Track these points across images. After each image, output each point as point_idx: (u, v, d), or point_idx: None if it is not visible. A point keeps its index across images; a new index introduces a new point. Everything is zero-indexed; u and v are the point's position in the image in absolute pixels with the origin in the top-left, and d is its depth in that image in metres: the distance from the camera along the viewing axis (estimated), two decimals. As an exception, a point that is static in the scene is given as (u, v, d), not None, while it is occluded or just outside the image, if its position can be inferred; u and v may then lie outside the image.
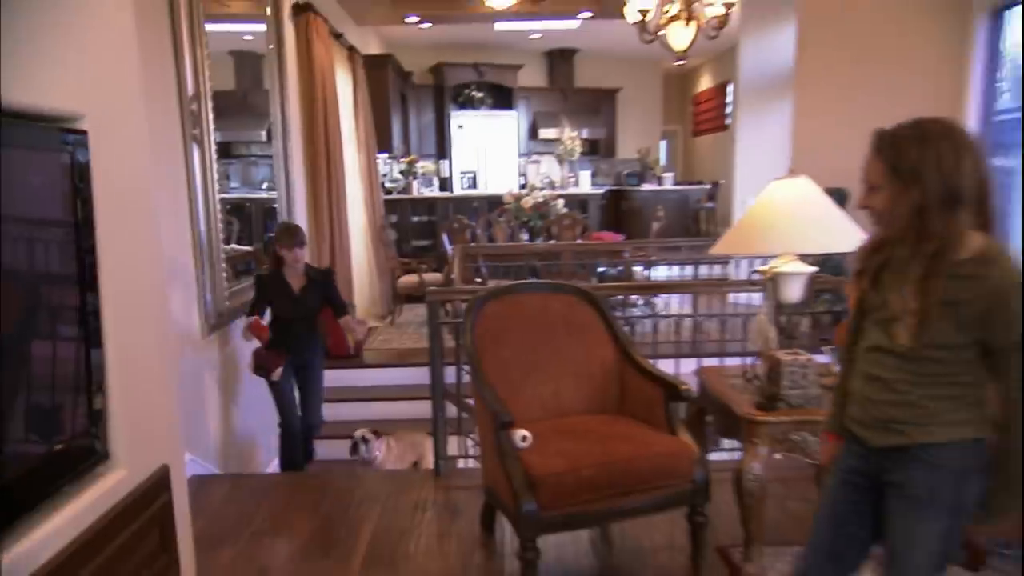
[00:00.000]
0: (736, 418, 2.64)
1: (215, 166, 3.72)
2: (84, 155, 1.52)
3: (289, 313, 4.01)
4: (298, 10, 5.23)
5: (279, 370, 3.96)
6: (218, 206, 3.80)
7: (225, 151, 4.21)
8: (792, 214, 2.59)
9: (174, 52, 3.37)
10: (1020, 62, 3.83)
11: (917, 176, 1.47)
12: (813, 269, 2.72)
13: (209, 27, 3.69)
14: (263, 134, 5.03)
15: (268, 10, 4.72)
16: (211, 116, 3.66)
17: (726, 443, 3.48)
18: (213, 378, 3.95)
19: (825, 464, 1.86)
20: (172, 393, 2.02)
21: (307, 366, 4.19)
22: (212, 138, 3.68)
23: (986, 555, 2.63)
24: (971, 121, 5.02)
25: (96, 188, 1.55)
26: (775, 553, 2.68)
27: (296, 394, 4.21)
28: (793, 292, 2.70)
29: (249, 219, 4.95)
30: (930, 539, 1.56)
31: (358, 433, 4.34)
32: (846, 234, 2.39)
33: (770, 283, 2.71)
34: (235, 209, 4.52)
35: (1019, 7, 4.81)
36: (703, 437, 3.06)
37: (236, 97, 4.33)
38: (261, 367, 3.97)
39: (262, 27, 4.79)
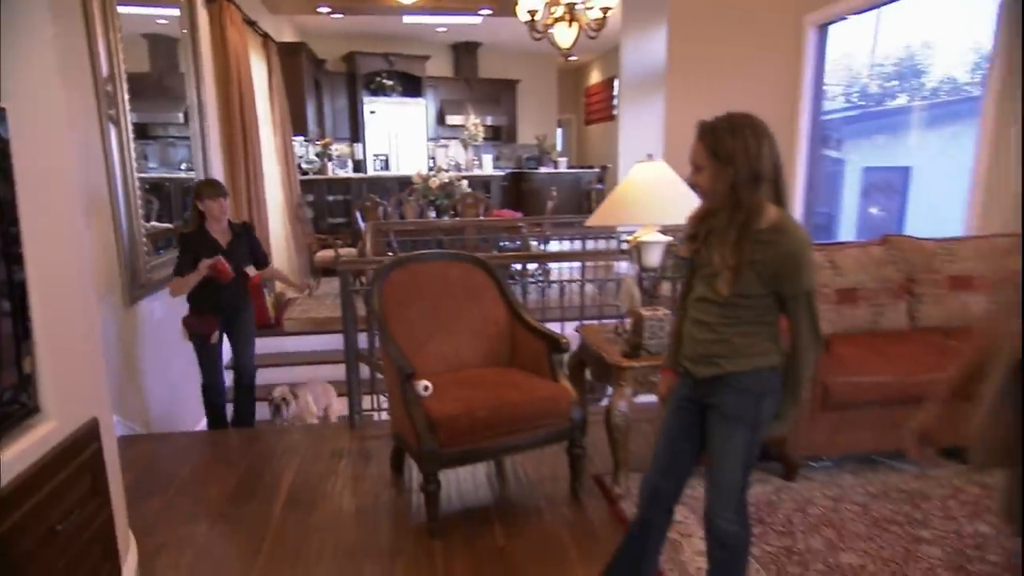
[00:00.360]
0: (608, 365, 2.83)
1: (132, 146, 3.56)
2: (4, 132, 1.50)
3: None
4: (211, -2, 5.03)
5: (216, 333, 3.71)
6: (136, 184, 3.64)
7: (142, 132, 4.01)
8: (650, 192, 2.76)
9: (87, 34, 3.20)
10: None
11: (731, 159, 1.64)
12: (669, 239, 2.94)
13: (122, 10, 3.50)
14: (180, 116, 4.82)
15: (182, -3, 4.53)
16: (127, 97, 3.50)
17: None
18: (137, 345, 3.82)
19: (663, 395, 2.03)
20: (99, 354, 2.01)
21: (236, 317, 3.86)
22: (128, 118, 3.52)
23: (799, 467, 2.98)
24: (804, 118, 5.41)
25: (17, 164, 1.53)
26: (639, 478, 2.89)
27: (224, 349, 3.98)
28: (653, 258, 2.90)
29: (168, 198, 4.76)
30: (738, 447, 1.78)
31: (277, 394, 4.24)
32: (691, 208, 2.59)
33: (634, 251, 2.91)
34: (154, 188, 4.33)
35: (840, 23, 5.19)
36: (582, 384, 3.24)
37: (152, 79, 4.11)
38: (196, 334, 3.70)
39: (175, 11, 4.57)
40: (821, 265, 3.25)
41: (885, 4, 4.88)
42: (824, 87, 5.49)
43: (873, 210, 6.50)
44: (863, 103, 6.46)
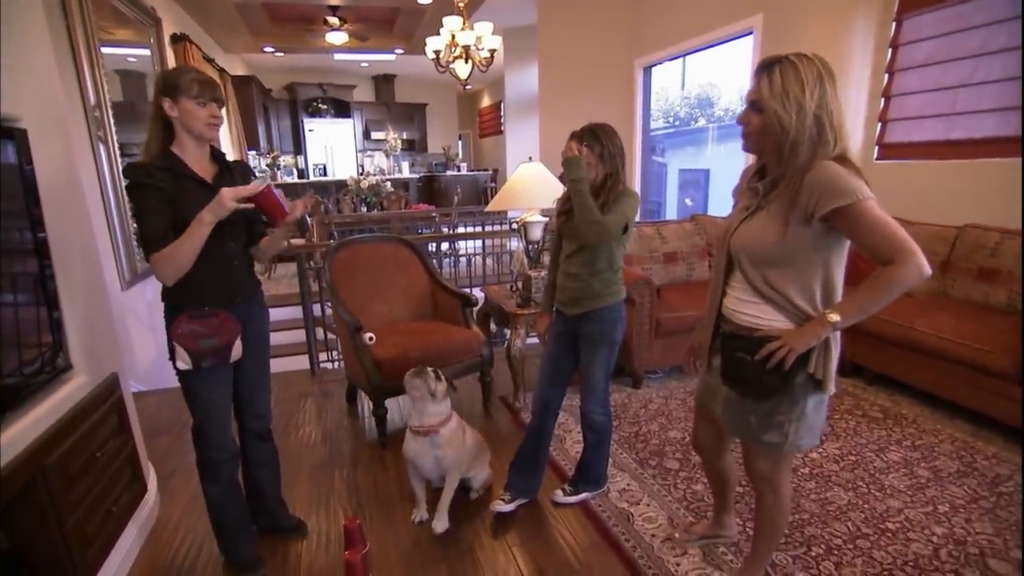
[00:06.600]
0: (506, 314, 2.94)
1: (119, 160, 3.29)
2: (26, 151, 1.43)
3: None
4: (176, 39, 4.66)
5: (238, 344, 1.59)
6: (124, 193, 3.36)
7: (119, 150, 3.69)
8: (532, 184, 2.85)
9: (75, 69, 2.93)
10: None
11: (612, 155, 1.78)
12: (546, 219, 3.07)
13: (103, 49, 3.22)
14: (148, 136, 4.48)
15: (152, 39, 4.19)
16: (112, 121, 3.22)
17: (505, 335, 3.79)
18: (133, 320, 3.55)
19: (542, 332, 2.12)
20: (112, 323, 1.93)
21: (248, 318, 1.67)
22: (115, 138, 3.24)
23: (643, 379, 3.21)
24: (638, 133, 5.76)
25: (38, 173, 1.47)
26: (532, 395, 3.02)
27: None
28: (536, 234, 3.02)
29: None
30: (602, 360, 1.93)
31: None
32: (557, 195, 2.71)
33: (522, 228, 3.01)
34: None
35: (659, 65, 5.55)
36: (488, 330, 3.37)
37: (125, 107, 3.77)
38: (201, 353, 1.52)
39: (144, 51, 4.22)
40: (652, 236, 3.54)
41: (686, 54, 5.26)
42: (650, 111, 5.85)
43: (688, 200, 7.06)
44: (676, 123, 6.95)
